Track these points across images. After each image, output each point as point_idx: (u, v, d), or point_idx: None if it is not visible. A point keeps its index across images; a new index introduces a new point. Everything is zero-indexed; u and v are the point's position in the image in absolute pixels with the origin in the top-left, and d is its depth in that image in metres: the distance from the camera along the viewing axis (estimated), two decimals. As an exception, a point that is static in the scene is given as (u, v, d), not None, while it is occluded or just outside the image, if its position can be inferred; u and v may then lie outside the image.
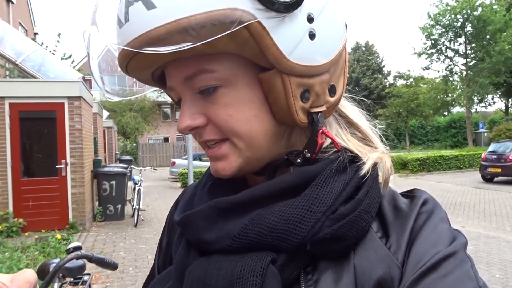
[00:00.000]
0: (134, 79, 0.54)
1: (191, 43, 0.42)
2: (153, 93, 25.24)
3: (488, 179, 14.22)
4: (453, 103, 29.90)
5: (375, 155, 0.54)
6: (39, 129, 7.49)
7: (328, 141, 0.55)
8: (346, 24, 0.55)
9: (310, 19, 0.47)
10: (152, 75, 0.53)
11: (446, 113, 38.66)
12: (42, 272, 1.89)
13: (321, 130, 0.51)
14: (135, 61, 0.47)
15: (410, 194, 0.55)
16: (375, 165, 0.54)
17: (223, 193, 0.53)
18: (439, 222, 0.50)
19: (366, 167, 0.52)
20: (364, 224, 0.48)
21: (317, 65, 0.48)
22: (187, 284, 0.48)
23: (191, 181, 6.44)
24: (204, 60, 0.46)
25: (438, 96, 28.13)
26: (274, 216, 0.47)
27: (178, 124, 0.52)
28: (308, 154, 0.52)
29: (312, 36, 0.47)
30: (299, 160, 0.52)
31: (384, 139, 0.60)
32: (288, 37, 0.45)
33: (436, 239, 0.47)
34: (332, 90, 0.52)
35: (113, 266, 1.77)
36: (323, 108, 0.51)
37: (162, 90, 0.58)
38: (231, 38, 0.43)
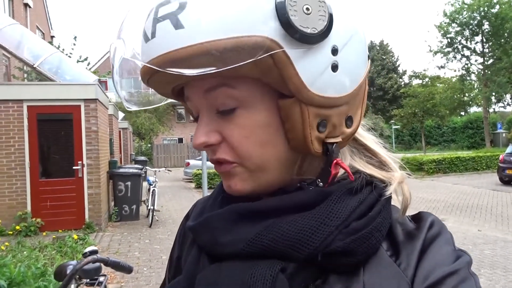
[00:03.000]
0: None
1: (215, 68, 0.43)
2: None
3: (506, 181, 13.88)
4: (470, 103, 29.39)
5: (397, 178, 0.55)
6: (56, 131, 7.65)
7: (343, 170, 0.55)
8: (368, 55, 0.55)
9: (334, 51, 0.47)
10: (172, 89, 0.53)
11: (462, 113, 38.03)
12: (59, 274, 1.94)
13: (335, 161, 0.51)
14: (159, 76, 0.47)
15: (417, 217, 0.56)
16: (388, 187, 0.54)
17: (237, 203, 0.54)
18: (444, 244, 0.51)
19: (391, 189, 0.53)
20: (375, 242, 0.49)
21: (336, 97, 0.49)
22: None
23: (205, 181, 6.47)
24: (227, 75, 0.46)
25: (455, 96, 27.66)
26: (288, 225, 0.48)
27: (193, 140, 0.52)
28: (321, 183, 0.53)
29: (334, 68, 0.47)
30: (311, 188, 0.53)
31: (405, 167, 0.60)
32: (311, 68, 0.46)
33: (441, 259, 0.49)
34: (349, 121, 0.53)
35: (128, 270, 1.80)
36: (338, 139, 0.52)
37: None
38: (254, 65, 0.43)
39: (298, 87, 0.46)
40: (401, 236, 0.53)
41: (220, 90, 0.48)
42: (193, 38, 0.43)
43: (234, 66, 0.43)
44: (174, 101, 0.58)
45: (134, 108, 0.60)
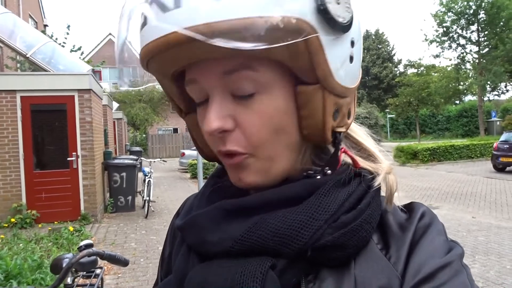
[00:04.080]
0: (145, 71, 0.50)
1: (265, 44, 0.40)
2: (162, 84, 25.17)
3: (500, 168, 14.05)
4: (465, 91, 29.50)
5: (385, 168, 0.55)
6: (50, 122, 7.59)
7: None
8: None
9: (352, 43, 0.49)
10: (173, 72, 0.49)
11: (457, 102, 38.19)
12: (55, 267, 1.93)
13: (342, 149, 0.53)
14: (170, 53, 0.43)
15: (409, 208, 0.56)
16: (376, 178, 0.55)
17: (223, 200, 0.54)
18: (436, 235, 0.51)
19: (379, 179, 0.53)
20: (365, 234, 0.49)
21: (350, 87, 0.50)
22: None
23: (200, 172, 6.47)
24: (250, 56, 0.44)
25: (450, 85, 27.75)
26: (277, 220, 0.47)
27: (206, 125, 0.48)
28: (329, 171, 0.52)
29: (351, 59, 0.49)
30: (319, 177, 0.52)
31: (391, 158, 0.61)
32: (337, 57, 0.47)
33: (433, 251, 0.49)
34: (350, 113, 0.54)
35: (124, 263, 1.80)
36: (343, 129, 0.53)
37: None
38: (287, 47, 0.42)
39: (325, 74, 0.46)
40: (392, 227, 0.52)
41: (241, 73, 0.46)
42: (238, 11, 0.40)
43: (280, 44, 0.41)
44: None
45: (125, 87, 0.57)
